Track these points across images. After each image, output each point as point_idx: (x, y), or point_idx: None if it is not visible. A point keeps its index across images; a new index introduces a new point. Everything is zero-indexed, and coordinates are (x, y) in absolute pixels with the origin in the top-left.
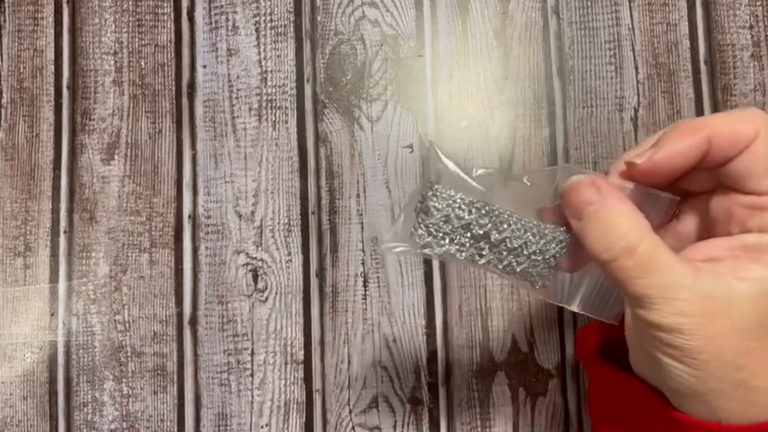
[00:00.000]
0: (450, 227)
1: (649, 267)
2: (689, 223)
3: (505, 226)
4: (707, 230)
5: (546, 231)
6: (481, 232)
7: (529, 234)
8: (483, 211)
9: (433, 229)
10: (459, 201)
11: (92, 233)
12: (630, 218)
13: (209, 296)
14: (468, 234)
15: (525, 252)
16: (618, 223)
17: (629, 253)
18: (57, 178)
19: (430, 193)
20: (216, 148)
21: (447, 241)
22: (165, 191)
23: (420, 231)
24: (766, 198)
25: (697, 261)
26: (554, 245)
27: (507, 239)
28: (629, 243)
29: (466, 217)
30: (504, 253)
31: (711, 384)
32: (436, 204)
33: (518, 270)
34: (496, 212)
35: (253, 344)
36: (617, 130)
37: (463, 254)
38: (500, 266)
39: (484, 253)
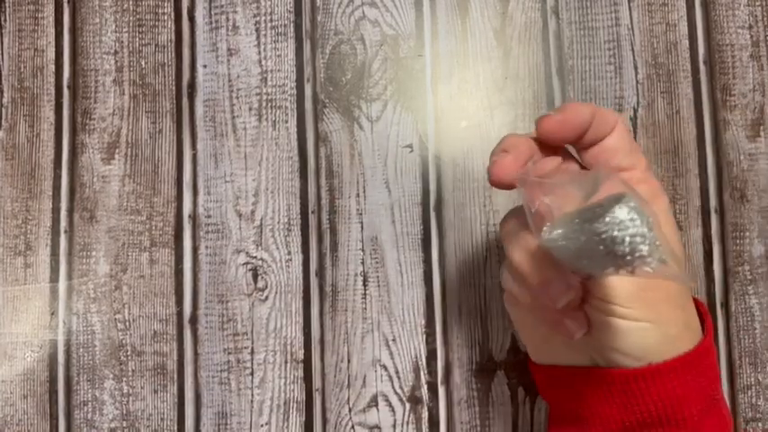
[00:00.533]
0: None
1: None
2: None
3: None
4: None
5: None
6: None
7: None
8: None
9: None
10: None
11: (92, 232)
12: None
13: (209, 295)
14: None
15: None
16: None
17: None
18: (57, 177)
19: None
20: (216, 148)
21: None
22: (166, 190)
23: (546, 230)
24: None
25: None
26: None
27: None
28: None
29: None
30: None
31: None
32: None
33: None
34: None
35: (253, 343)
36: None
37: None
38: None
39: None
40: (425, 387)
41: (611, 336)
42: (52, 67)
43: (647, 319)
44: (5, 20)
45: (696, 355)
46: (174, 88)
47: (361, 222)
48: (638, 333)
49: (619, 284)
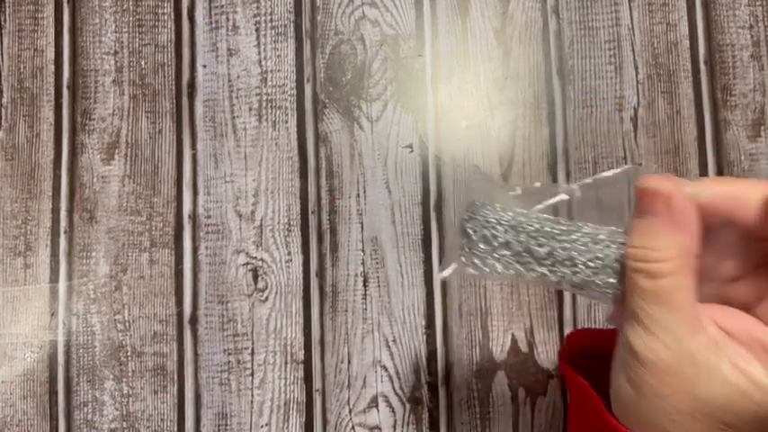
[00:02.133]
0: (490, 246)
1: (660, 300)
2: (736, 265)
3: (544, 240)
4: (750, 291)
5: (601, 236)
6: (522, 248)
7: (578, 243)
8: (520, 228)
9: (476, 251)
10: (493, 220)
11: (92, 233)
12: (675, 248)
13: (209, 296)
14: (510, 251)
15: (580, 260)
16: (660, 246)
17: (652, 277)
18: (57, 178)
19: (467, 215)
20: (216, 148)
21: (491, 260)
22: (166, 190)
23: (464, 253)
24: None
25: (713, 322)
26: (614, 247)
27: (554, 251)
28: (658, 269)
29: (502, 236)
30: (558, 265)
31: (644, 418)
32: (473, 227)
33: (577, 281)
34: (536, 226)
35: (253, 343)
36: (617, 130)
37: (510, 270)
38: (554, 279)
39: (532, 267)
40: (426, 388)
41: None
42: (52, 68)
43: None
44: (5, 20)
45: None
46: (173, 88)
47: (362, 222)
48: None
49: None
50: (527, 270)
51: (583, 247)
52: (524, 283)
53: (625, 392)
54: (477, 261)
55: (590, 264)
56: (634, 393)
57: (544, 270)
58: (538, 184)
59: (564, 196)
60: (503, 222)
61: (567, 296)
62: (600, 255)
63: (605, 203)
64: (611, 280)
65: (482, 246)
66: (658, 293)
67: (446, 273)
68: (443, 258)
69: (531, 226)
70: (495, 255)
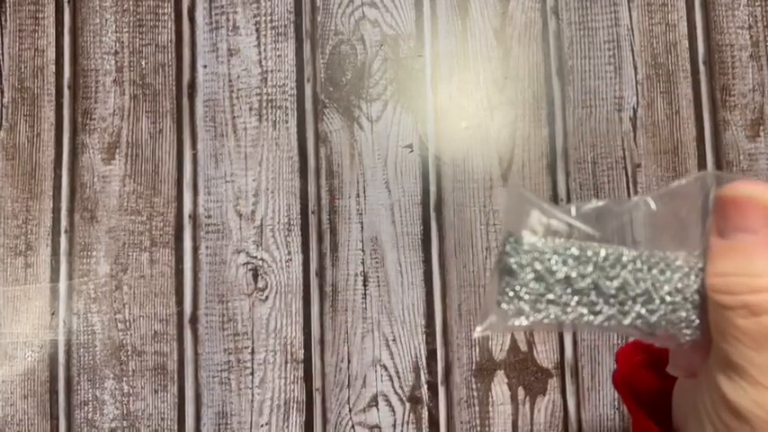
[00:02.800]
0: (545, 285)
1: (763, 341)
2: None
3: (619, 269)
4: None
5: (679, 263)
6: (587, 284)
7: (656, 271)
8: (584, 257)
9: (523, 293)
10: (548, 250)
11: (92, 232)
12: None
13: (209, 295)
14: (570, 289)
15: (657, 295)
16: (762, 271)
17: (754, 313)
18: (57, 178)
19: (509, 248)
20: (216, 148)
21: (545, 304)
22: (166, 190)
23: (507, 298)
24: None
25: None
26: (693, 276)
27: (627, 285)
28: (761, 303)
29: (561, 269)
30: (629, 303)
31: None
32: (520, 260)
33: (653, 321)
34: (604, 254)
35: (253, 343)
36: (616, 130)
37: (570, 316)
38: (626, 322)
39: (599, 309)
40: (425, 387)
41: None
42: (53, 68)
43: None
44: (6, 20)
45: None
46: (174, 88)
47: (362, 222)
48: None
49: None
50: (592, 312)
51: (661, 277)
52: (582, 329)
53: None
54: (525, 307)
55: (667, 298)
56: None
57: (613, 311)
58: (597, 202)
59: (634, 211)
60: (559, 252)
61: None
62: (679, 285)
63: (675, 220)
64: (693, 317)
65: (533, 285)
66: (765, 334)
67: (482, 331)
68: (481, 312)
69: (596, 255)
70: (550, 296)
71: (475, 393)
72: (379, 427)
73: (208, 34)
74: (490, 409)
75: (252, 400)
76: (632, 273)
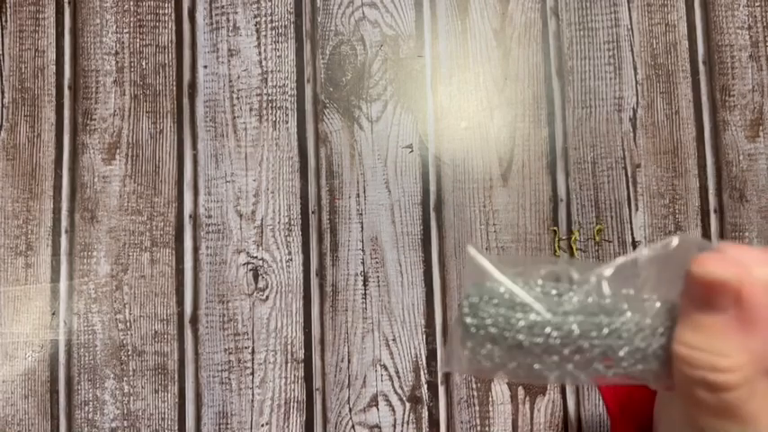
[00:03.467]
0: (501, 346)
1: (726, 414)
2: None
3: (573, 335)
4: None
5: (647, 320)
6: (540, 348)
7: (614, 336)
8: (538, 328)
9: (480, 350)
10: (504, 313)
11: (93, 232)
12: (746, 354)
13: (209, 295)
14: (523, 351)
15: (614, 356)
16: (729, 352)
17: (717, 389)
18: (58, 178)
19: (465, 309)
20: (217, 148)
21: (503, 360)
22: (166, 190)
23: (466, 353)
24: None
25: None
26: (660, 333)
27: (583, 350)
28: (725, 382)
29: (515, 336)
30: (587, 362)
31: None
32: (474, 322)
33: (610, 375)
34: (551, 330)
35: (253, 343)
36: (616, 130)
37: (523, 372)
38: (583, 377)
39: (554, 367)
40: (425, 387)
41: None
42: (53, 68)
43: None
44: (6, 20)
45: None
46: (174, 89)
47: (362, 222)
48: None
49: None
50: (548, 370)
51: (620, 341)
52: (542, 382)
53: None
54: (482, 360)
55: (626, 359)
56: None
57: (569, 369)
58: (554, 266)
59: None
60: (511, 322)
61: None
62: (641, 345)
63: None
64: (653, 367)
65: (488, 344)
66: (725, 409)
67: (447, 368)
68: (445, 350)
69: (546, 326)
70: (506, 356)
71: (475, 393)
72: (379, 427)
73: (208, 35)
74: (490, 408)
75: (252, 400)
76: (588, 339)
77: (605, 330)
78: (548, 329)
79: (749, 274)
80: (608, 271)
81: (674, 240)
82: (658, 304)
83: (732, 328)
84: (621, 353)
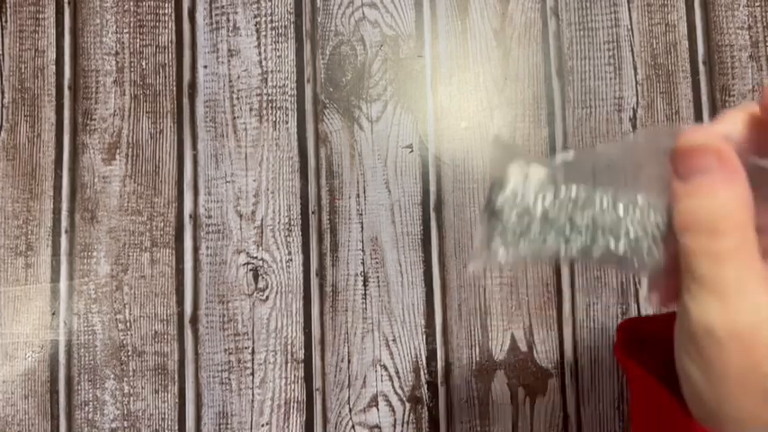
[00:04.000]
0: (526, 222)
1: (730, 259)
2: None
3: (589, 207)
4: None
5: (641, 203)
6: (562, 220)
7: (621, 209)
8: (559, 197)
9: (509, 233)
10: (527, 192)
11: (93, 233)
12: (736, 201)
13: (209, 295)
14: (549, 225)
15: (622, 229)
16: (721, 203)
17: (718, 235)
18: (58, 178)
19: (494, 192)
20: (217, 149)
21: (527, 241)
22: (166, 191)
23: (494, 237)
24: None
25: None
26: (653, 214)
27: (596, 221)
28: (723, 227)
29: (539, 207)
30: (599, 235)
31: (717, 409)
32: (503, 203)
33: (619, 250)
34: (575, 194)
35: (253, 343)
36: (616, 130)
37: (548, 248)
38: (596, 253)
39: (572, 241)
40: (425, 387)
41: None
42: (53, 68)
43: None
44: (6, 20)
45: None
46: (174, 89)
47: (362, 223)
48: None
49: None
50: (566, 245)
51: (625, 215)
52: (560, 261)
53: (695, 378)
54: (510, 243)
55: (630, 231)
56: (705, 378)
57: (585, 243)
58: (568, 153)
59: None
60: (537, 193)
61: (567, 296)
62: (640, 221)
63: (635, 166)
64: (653, 248)
65: (515, 223)
66: (727, 253)
67: (475, 265)
68: (473, 250)
69: (569, 194)
70: (530, 232)
71: (475, 393)
72: (380, 427)
73: (208, 35)
74: (490, 409)
75: (252, 401)
76: (600, 210)
77: (609, 205)
78: (564, 207)
79: (721, 137)
80: (611, 151)
81: (640, 134)
82: (645, 198)
83: (720, 183)
84: (626, 226)
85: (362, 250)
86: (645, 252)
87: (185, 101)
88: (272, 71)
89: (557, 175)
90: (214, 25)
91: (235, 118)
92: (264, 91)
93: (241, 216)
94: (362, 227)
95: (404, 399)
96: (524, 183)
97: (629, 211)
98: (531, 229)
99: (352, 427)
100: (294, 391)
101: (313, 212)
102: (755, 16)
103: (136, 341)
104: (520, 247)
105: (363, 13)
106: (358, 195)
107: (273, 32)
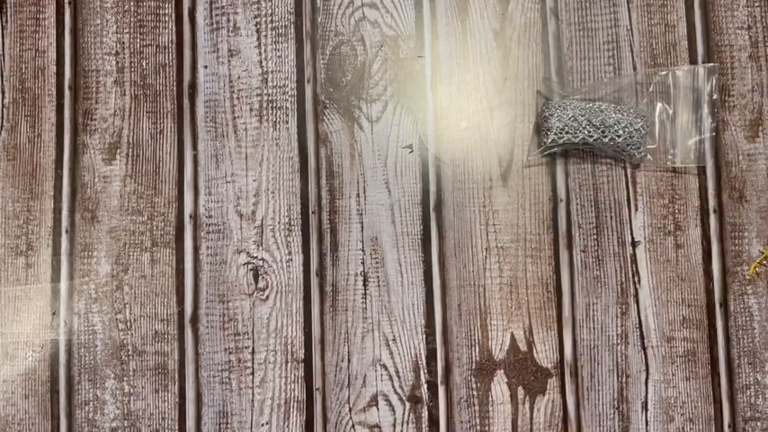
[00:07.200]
0: (564, 122)
1: None
2: None
3: (600, 113)
4: None
5: (630, 111)
6: (585, 120)
7: (618, 115)
8: (582, 108)
9: (554, 131)
10: (564, 106)
11: (93, 232)
12: None
13: (210, 295)
14: (576, 124)
15: (620, 126)
16: None
17: None
18: (58, 178)
19: (544, 106)
20: (217, 148)
21: (565, 135)
22: (167, 190)
23: (545, 132)
24: None
25: None
26: (639, 120)
27: (605, 121)
28: None
29: (570, 114)
30: (607, 130)
31: None
32: (551, 112)
33: (620, 141)
34: (592, 106)
35: (253, 342)
36: None
37: (578, 138)
38: (606, 140)
39: (591, 134)
40: (425, 386)
41: None
42: (53, 68)
43: None
44: (7, 21)
45: None
46: (174, 89)
47: (362, 222)
48: None
49: None
50: (589, 136)
51: (621, 117)
52: (585, 148)
53: None
54: (554, 135)
55: (626, 128)
56: None
57: (599, 135)
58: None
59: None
60: (570, 106)
61: (566, 296)
62: (632, 122)
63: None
64: (640, 143)
65: (557, 123)
66: None
67: (537, 153)
68: (529, 149)
69: (589, 105)
70: (566, 129)
71: (475, 393)
72: (379, 427)
73: (208, 35)
74: (490, 408)
75: (252, 400)
76: (607, 116)
77: (612, 113)
78: (585, 113)
79: None
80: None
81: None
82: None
83: None
84: (623, 125)
85: (362, 250)
86: (635, 144)
87: (186, 101)
88: (272, 71)
89: (581, 97)
90: (214, 25)
91: (235, 118)
92: (265, 91)
93: (241, 216)
94: (362, 227)
95: (404, 398)
96: (561, 101)
97: (624, 117)
98: (567, 127)
99: (352, 426)
100: (294, 390)
101: (313, 212)
102: (755, 16)
103: (136, 341)
104: (560, 137)
105: (363, 14)
106: (358, 195)
107: (273, 32)
